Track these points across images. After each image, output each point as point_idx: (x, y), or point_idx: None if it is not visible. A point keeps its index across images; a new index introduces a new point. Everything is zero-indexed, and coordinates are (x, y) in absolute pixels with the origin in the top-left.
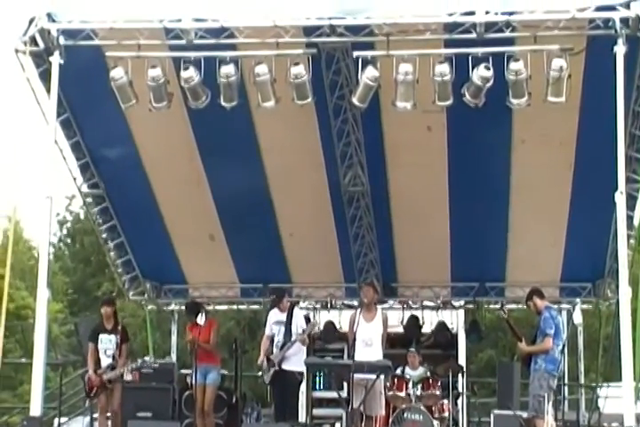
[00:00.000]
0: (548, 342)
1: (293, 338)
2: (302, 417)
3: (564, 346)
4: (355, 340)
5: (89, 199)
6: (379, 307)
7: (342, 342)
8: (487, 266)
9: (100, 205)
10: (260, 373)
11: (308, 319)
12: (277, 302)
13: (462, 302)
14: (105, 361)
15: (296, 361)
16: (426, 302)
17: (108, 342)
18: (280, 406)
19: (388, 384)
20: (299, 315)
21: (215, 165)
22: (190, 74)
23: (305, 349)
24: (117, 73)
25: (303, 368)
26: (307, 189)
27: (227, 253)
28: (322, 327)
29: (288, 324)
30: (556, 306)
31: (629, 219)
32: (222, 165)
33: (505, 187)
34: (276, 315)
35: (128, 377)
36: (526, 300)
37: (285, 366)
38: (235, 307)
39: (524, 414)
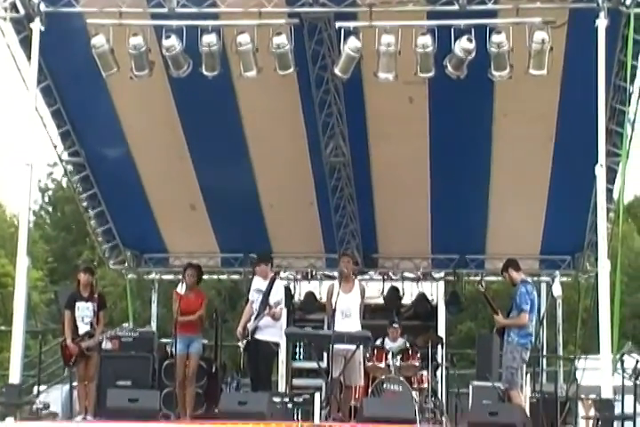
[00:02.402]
0: (524, 317)
1: (266, 311)
2: (282, 387)
3: (541, 319)
4: (334, 311)
5: (69, 167)
6: (357, 278)
7: (322, 313)
8: (467, 238)
9: (81, 174)
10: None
11: (288, 290)
12: (256, 264)
13: (442, 274)
14: (82, 329)
15: (270, 332)
16: (406, 274)
17: (85, 310)
18: (254, 376)
19: (367, 355)
20: (279, 287)
21: (196, 134)
22: (172, 42)
23: (282, 320)
24: (98, 40)
25: (278, 339)
26: (288, 160)
27: (207, 223)
28: (301, 298)
29: (267, 294)
30: (535, 278)
31: (609, 192)
32: (203, 134)
33: (486, 159)
34: (257, 282)
35: (107, 346)
36: (502, 271)
37: (259, 337)
38: (215, 277)
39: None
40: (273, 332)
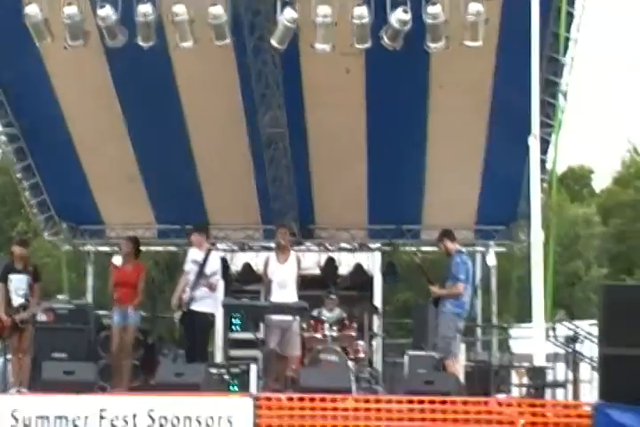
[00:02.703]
0: (459, 287)
1: (202, 281)
2: (219, 358)
3: (475, 289)
4: (270, 282)
5: (3, 138)
6: (293, 249)
7: (259, 284)
8: (403, 209)
9: (15, 144)
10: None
11: (225, 262)
12: (189, 235)
13: (379, 245)
14: (16, 301)
15: (206, 303)
16: (342, 245)
17: (18, 282)
18: (190, 347)
19: (304, 326)
20: (215, 258)
21: (132, 105)
22: (107, 12)
23: (220, 291)
24: (32, 10)
25: (214, 310)
26: (225, 131)
27: (144, 194)
28: (238, 270)
29: (202, 264)
30: (470, 249)
31: (542, 163)
32: (139, 105)
33: (422, 130)
34: (193, 253)
35: (42, 318)
36: (437, 241)
37: (195, 308)
38: (152, 248)
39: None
40: (209, 303)
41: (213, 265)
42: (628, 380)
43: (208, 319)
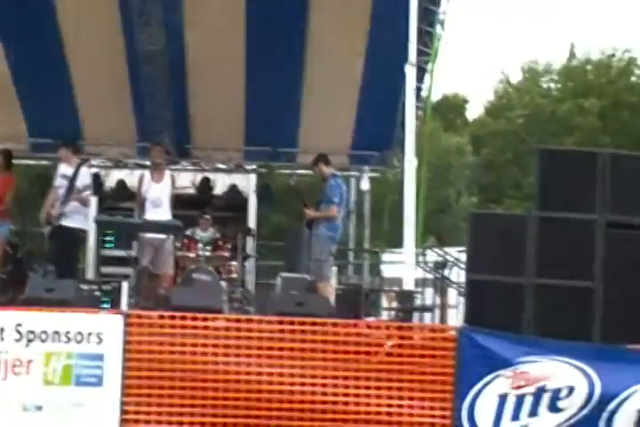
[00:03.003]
0: (333, 210)
1: (73, 196)
2: (90, 275)
3: (348, 213)
4: (144, 200)
5: None
6: (168, 168)
7: (133, 202)
8: (280, 131)
9: None
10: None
11: (98, 178)
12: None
13: (254, 166)
14: None
15: (77, 218)
16: (218, 165)
17: None
18: (59, 262)
19: (177, 244)
20: (85, 173)
21: (8, 21)
22: None
23: (94, 208)
24: None
25: (84, 226)
26: (102, 45)
27: (17, 106)
28: (112, 186)
29: (72, 179)
30: (344, 173)
31: (418, 90)
32: (14, 20)
33: (300, 54)
34: (63, 168)
35: None
36: (312, 165)
37: (65, 223)
38: (23, 162)
39: (309, 278)
40: (79, 219)
41: (84, 180)
42: (493, 305)
43: (78, 235)
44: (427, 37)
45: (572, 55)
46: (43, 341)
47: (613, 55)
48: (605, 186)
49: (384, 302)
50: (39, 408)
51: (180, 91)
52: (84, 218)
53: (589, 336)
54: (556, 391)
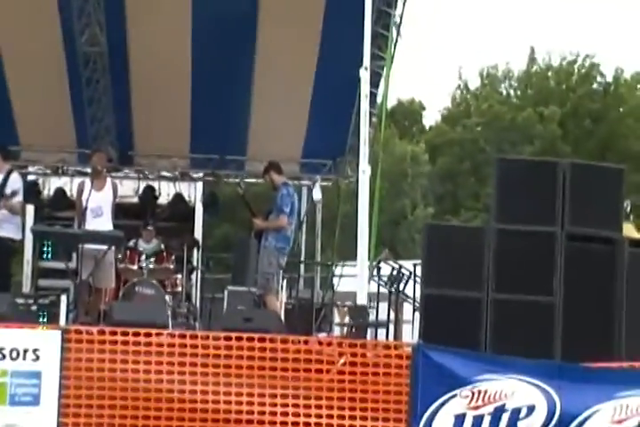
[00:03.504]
0: (283, 219)
1: (1, 203)
2: (26, 288)
3: (301, 224)
4: (84, 209)
5: None
6: (110, 176)
7: (72, 211)
8: (228, 138)
9: None
10: None
11: (36, 186)
12: None
13: (201, 174)
14: None
15: (6, 227)
16: (163, 173)
17: None
18: None
19: (119, 256)
20: (16, 178)
21: None
22: None
23: (29, 217)
24: None
25: (16, 235)
26: (39, 47)
27: None
28: (50, 195)
29: (2, 185)
30: (296, 182)
31: (372, 96)
32: None
33: (249, 59)
34: None
35: None
36: (263, 173)
37: None
38: None
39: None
40: (9, 228)
41: (14, 186)
42: (449, 321)
43: (8, 245)
44: (381, 41)
45: (533, 60)
46: None
47: (575, 61)
48: (566, 197)
49: (336, 318)
50: None
51: (123, 95)
52: (15, 227)
53: (550, 353)
54: (516, 411)
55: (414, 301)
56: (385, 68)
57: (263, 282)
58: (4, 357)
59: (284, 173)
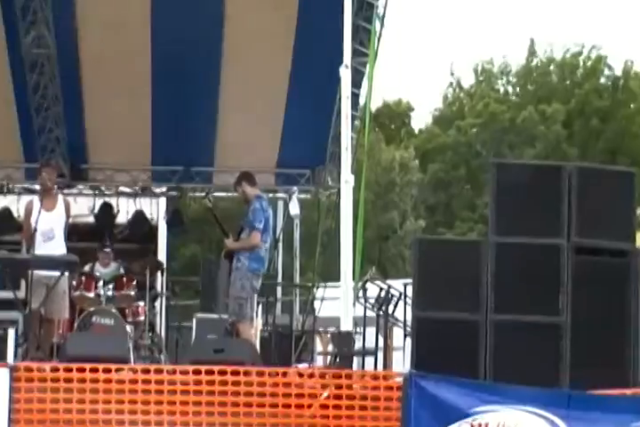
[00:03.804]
0: (256, 237)
1: None
2: None
3: (277, 242)
4: (34, 231)
5: None
6: (62, 193)
7: (20, 234)
8: (194, 148)
9: None
10: None
11: None
12: None
13: (164, 189)
14: None
15: None
16: (121, 188)
17: None
18: None
19: (73, 283)
20: None
21: None
22: None
23: None
24: None
25: None
26: None
27: None
28: None
29: None
30: (270, 195)
31: (355, 97)
32: None
33: (216, 60)
34: None
35: None
36: (234, 185)
37: None
38: None
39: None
40: None
41: None
42: (444, 347)
43: None
44: (364, 35)
45: (532, 53)
46: None
47: (580, 53)
48: (572, 205)
49: (318, 346)
50: None
51: (75, 102)
52: None
53: (557, 380)
54: None
55: (405, 325)
56: (368, 66)
57: (235, 308)
58: None
59: (257, 184)
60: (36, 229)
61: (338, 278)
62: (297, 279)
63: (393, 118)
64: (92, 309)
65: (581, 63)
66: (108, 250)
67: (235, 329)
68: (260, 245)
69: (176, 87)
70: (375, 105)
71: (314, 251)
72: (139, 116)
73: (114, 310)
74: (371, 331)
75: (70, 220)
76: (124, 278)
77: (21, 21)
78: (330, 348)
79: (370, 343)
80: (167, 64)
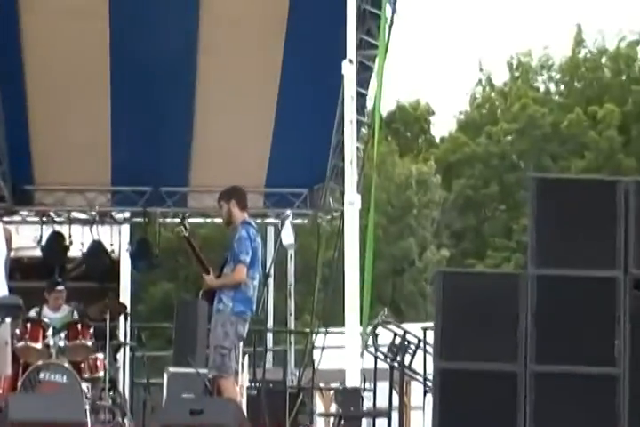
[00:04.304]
0: (241, 272)
1: None
2: None
3: (267, 277)
4: None
5: None
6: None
7: None
8: (164, 164)
9: None
10: None
11: None
12: None
13: (127, 215)
14: None
15: None
16: (75, 214)
17: None
18: None
19: (17, 331)
20: None
21: None
22: None
23: None
24: None
25: None
26: None
27: None
28: None
29: None
30: (258, 221)
31: (361, 98)
32: None
33: (191, 53)
34: None
35: None
36: (220, 200)
37: None
38: None
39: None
40: None
41: None
42: (473, 405)
43: None
44: (372, 22)
45: (580, 43)
46: None
47: (637, 42)
48: (629, 229)
49: (319, 406)
50: None
51: (17, 112)
52: None
53: None
54: None
55: (425, 379)
56: (377, 60)
57: (217, 360)
58: None
59: (247, 208)
60: None
61: (342, 323)
62: (292, 324)
63: (409, 124)
64: (39, 363)
65: (639, 55)
66: (60, 287)
67: (215, 386)
68: (247, 282)
69: (141, 89)
70: (387, 108)
71: (312, 288)
72: (94, 129)
73: (67, 365)
74: (383, 386)
75: (12, 253)
76: (79, 325)
77: None
78: (333, 408)
79: (382, 402)
80: (130, 60)
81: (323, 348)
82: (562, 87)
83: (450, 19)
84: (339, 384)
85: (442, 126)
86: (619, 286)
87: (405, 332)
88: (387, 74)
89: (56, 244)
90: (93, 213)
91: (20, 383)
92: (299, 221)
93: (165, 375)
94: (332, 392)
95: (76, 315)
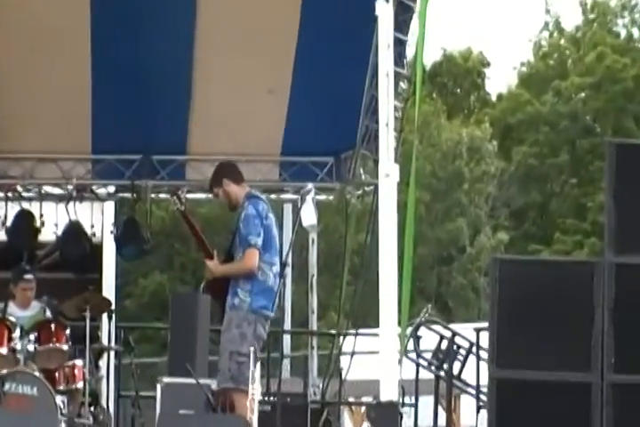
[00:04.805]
0: (252, 257)
1: None
2: None
3: (283, 266)
4: None
5: None
6: None
7: None
8: (156, 127)
9: None
10: None
11: None
12: None
13: (112, 189)
14: None
15: None
16: (48, 189)
17: None
18: None
19: None
20: None
21: None
22: None
23: None
24: None
25: None
26: None
27: None
28: None
29: None
30: (273, 196)
31: (400, 45)
32: None
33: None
34: None
35: None
36: (210, 186)
37: None
38: None
39: (214, 384)
40: None
41: None
42: (536, 421)
43: None
44: None
45: None
46: None
47: None
48: None
49: (348, 424)
50: None
51: None
52: None
53: None
54: None
55: (478, 391)
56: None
57: (233, 369)
58: None
59: (245, 181)
60: None
61: (376, 323)
62: (314, 324)
63: (458, 78)
64: (3, 371)
65: None
66: (29, 276)
67: (221, 400)
68: (265, 269)
69: (128, 34)
70: (431, 58)
71: (339, 280)
72: (73, 81)
73: (37, 374)
74: (426, 401)
75: None
76: (53, 325)
77: None
78: (365, 425)
79: (426, 419)
80: (106, 14)
81: (352, 353)
82: None
83: None
84: (372, 398)
85: (499, 81)
86: None
87: (454, 334)
88: (431, 15)
89: (24, 225)
90: (70, 187)
91: None
92: (322, 197)
93: (158, 387)
94: (363, 408)
95: (48, 313)
